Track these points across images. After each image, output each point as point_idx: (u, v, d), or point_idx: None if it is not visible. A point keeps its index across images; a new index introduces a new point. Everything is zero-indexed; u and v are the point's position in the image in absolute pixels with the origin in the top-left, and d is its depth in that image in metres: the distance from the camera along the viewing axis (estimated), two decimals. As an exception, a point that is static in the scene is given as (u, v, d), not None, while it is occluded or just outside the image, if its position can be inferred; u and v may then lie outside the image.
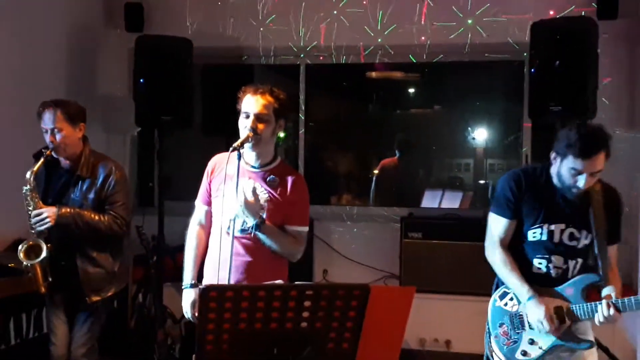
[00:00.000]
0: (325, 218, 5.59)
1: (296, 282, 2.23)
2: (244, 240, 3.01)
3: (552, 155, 2.96)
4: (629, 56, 5.22)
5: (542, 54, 4.68)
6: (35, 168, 3.41)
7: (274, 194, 3.03)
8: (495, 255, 3.07)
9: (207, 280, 3.07)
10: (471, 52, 5.49)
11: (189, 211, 3.27)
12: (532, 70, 4.76)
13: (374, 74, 6.24)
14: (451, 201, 5.74)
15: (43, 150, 3.46)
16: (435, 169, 6.31)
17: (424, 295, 4.74)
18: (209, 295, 2.07)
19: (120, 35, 5.84)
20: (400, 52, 5.63)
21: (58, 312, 3.64)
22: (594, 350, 3.05)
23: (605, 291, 2.92)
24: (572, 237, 3.00)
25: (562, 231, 2.99)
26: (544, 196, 3.01)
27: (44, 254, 3.39)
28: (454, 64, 5.65)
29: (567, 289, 2.99)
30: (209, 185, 3.16)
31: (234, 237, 2.90)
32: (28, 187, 3.41)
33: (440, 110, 6.44)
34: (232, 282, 2.89)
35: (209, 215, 3.19)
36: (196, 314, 2.92)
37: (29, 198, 3.41)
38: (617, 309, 2.83)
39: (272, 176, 3.06)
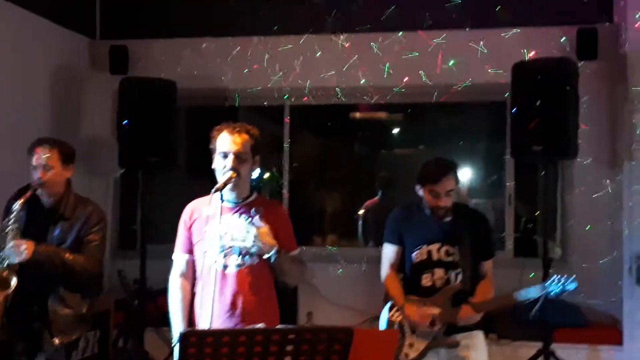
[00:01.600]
0: (309, 259, 5.51)
1: (278, 326, 2.20)
2: (238, 277, 2.98)
3: (417, 187, 3.60)
4: (608, 95, 5.29)
5: (524, 95, 4.73)
6: (24, 199, 3.36)
7: (264, 223, 3.02)
8: (383, 276, 3.68)
9: (200, 324, 3.00)
10: (454, 92, 5.54)
11: (171, 254, 3.20)
12: (514, 110, 4.81)
13: (357, 115, 6.28)
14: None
15: (31, 184, 3.43)
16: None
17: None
18: (189, 341, 2.03)
19: (104, 78, 5.85)
20: (382, 92, 5.68)
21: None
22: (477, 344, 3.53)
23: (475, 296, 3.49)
24: (447, 253, 3.55)
25: (438, 249, 3.55)
26: (419, 223, 3.60)
27: (12, 286, 3.28)
28: (437, 105, 5.70)
29: (439, 296, 3.50)
30: (189, 232, 3.10)
31: (221, 277, 2.91)
32: (13, 216, 3.35)
33: (424, 149, 6.48)
34: (222, 324, 2.88)
35: (190, 264, 3.11)
36: None
37: (8, 229, 3.34)
38: (474, 309, 3.43)
39: (257, 207, 3.05)
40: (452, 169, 3.56)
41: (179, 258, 3.14)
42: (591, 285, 5.10)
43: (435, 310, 3.46)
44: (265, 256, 2.93)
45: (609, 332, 4.89)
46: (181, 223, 3.14)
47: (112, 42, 5.87)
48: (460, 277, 3.53)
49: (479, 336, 3.54)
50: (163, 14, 5.92)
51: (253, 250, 2.92)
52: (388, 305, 3.68)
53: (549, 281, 3.31)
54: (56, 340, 3.43)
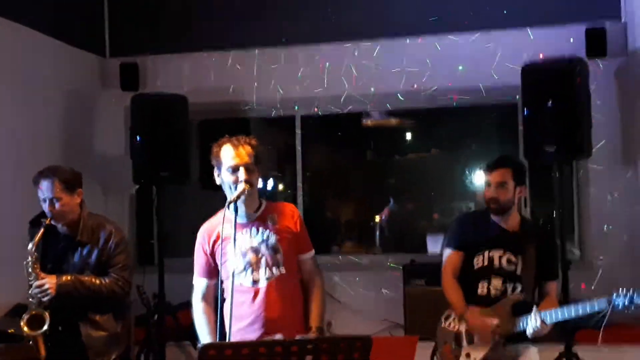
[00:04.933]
0: (327, 268, 5.50)
1: (297, 337, 2.20)
2: (268, 290, 2.97)
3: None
4: (619, 93, 5.26)
5: (534, 96, 4.71)
6: (36, 239, 3.37)
7: (280, 231, 3.03)
8: (443, 281, 3.54)
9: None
10: (465, 96, 5.54)
11: (189, 267, 3.19)
12: (525, 112, 4.79)
13: (369, 122, 6.28)
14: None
15: (42, 220, 3.43)
16: (437, 213, 6.29)
17: (430, 344, 4.66)
18: (208, 354, 2.04)
19: (116, 95, 5.90)
20: (393, 99, 5.68)
21: None
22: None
23: (534, 308, 3.29)
24: (509, 262, 3.45)
25: (500, 257, 3.45)
26: (484, 229, 3.52)
27: (46, 325, 3.32)
28: (448, 109, 5.69)
29: (499, 306, 3.37)
30: (206, 256, 3.08)
31: (251, 291, 2.94)
32: (30, 258, 3.36)
33: (437, 154, 6.47)
34: (255, 335, 2.92)
35: (210, 288, 3.10)
36: None
37: (29, 269, 3.36)
38: (542, 321, 3.21)
39: (270, 215, 3.05)
40: (509, 163, 3.52)
41: (198, 282, 3.13)
42: (611, 285, 5.06)
43: (495, 320, 3.33)
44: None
45: (631, 332, 4.82)
46: (198, 247, 3.11)
47: (122, 60, 5.92)
48: (517, 291, 3.42)
49: (534, 352, 3.43)
50: (171, 30, 5.96)
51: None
52: (444, 314, 3.56)
53: (616, 294, 3.15)
54: None
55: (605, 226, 5.21)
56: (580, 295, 4.93)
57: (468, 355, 3.37)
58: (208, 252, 3.07)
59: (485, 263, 3.46)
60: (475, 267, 3.48)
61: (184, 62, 5.92)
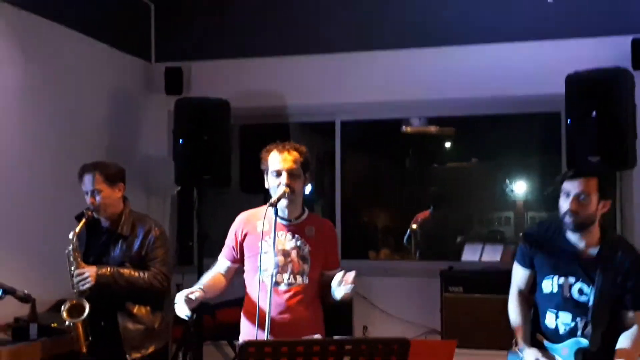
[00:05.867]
0: (364, 273, 5.51)
1: (334, 337, 2.22)
2: (288, 296, 3.03)
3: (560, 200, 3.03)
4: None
5: (578, 106, 4.66)
6: (78, 229, 3.48)
7: (315, 244, 3.09)
8: (510, 303, 3.20)
9: (245, 337, 3.07)
10: (507, 105, 5.50)
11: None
12: (569, 121, 4.74)
13: (409, 129, 6.28)
14: (492, 254, 5.65)
15: (85, 211, 3.54)
16: (475, 222, 6.26)
17: (466, 351, 4.62)
18: (247, 351, 2.07)
19: (160, 99, 6.01)
20: (434, 106, 5.67)
21: None
22: None
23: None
24: (580, 292, 2.98)
25: (571, 286, 2.99)
26: (557, 249, 3.04)
27: (86, 313, 3.42)
28: (490, 117, 5.66)
29: (563, 349, 2.99)
30: (237, 243, 3.16)
31: (273, 292, 2.93)
32: (71, 247, 3.47)
33: (477, 163, 6.44)
34: (270, 338, 2.89)
35: (230, 270, 3.21)
36: (191, 297, 2.89)
37: (71, 258, 3.47)
38: None
39: (309, 227, 3.11)
40: (596, 173, 2.99)
41: (222, 261, 3.24)
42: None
43: None
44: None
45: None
46: (232, 231, 3.20)
47: (167, 64, 6.04)
48: (589, 328, 2.93)
49: None
50: (215, 36, 6.06)
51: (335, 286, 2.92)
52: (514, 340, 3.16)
53: None
54: (133, 355, 3.52)
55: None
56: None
57: None
58: (239, 239, 3.15)
59: (555, 290, 3.01)
60: (544, 291, 3.06)
61: (227, 68, 5.99)
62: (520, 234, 3.29)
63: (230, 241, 3.20)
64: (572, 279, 2.99)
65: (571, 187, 2.94)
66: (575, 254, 3.00)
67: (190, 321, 4.81)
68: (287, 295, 3.04)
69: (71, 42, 5.11)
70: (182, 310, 2.89)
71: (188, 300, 2.88)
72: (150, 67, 6.17)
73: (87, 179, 3.54)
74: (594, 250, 2.99)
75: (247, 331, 3.11)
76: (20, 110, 4.64)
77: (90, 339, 3.48)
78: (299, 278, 3.07)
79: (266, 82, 5.92)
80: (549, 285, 3.04)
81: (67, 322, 3.46)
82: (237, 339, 3.14)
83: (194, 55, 6.08)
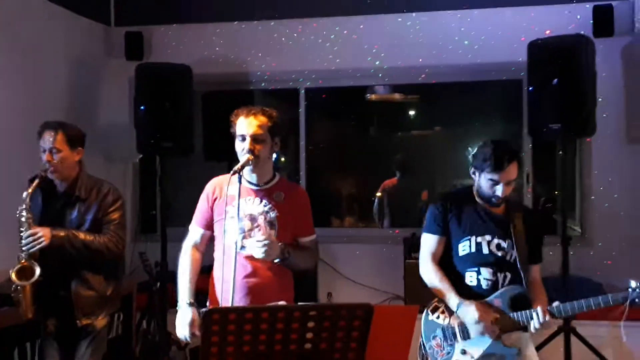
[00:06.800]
0: (328, 240, 5.54)
1: (299, 303, 2.23)
2: (254, 260, 3.02)
3: (472, 171, 3.24)
4: (625, 72, 5.24)
5: (540, 73, 4.70)
6: (31, 189, 3.39)
7: (283, 209, 3.07)
8: (426, 270, 3.27)
9: (213, 302, 3.07)
10: (469, 72, 5.53)
11: (191, 237, 3.26)
12: (530, 89, 4.78)
13: (373, 97, 6.28)
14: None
15: (39, 172, 3.46)
16: (438, 189, 6.32)
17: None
18: (212, 318, 2.07)
19: (120, 64, 5.88)
20: (397, 74, 5.67)
21: (51, 340, 3.59)
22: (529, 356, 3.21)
23: (536, 302, 3.12)
24: (499, 247, 3.20)
25: (488, 242, 3.20)
26: (469, 212, 3.25)
27: (36, 275, 3.33)
28: (453, 85, 5.68)
29: (495, 300, 3.15)
30: (211, 209, 3.15)
31: (238, 257, 2.92)
32: (23, 206, 3.37)
33: (440, 131, 6.47)
34: (238, 303, 2.90)
35: (204, 238, 3.19)
36: (196, 332, 2.94)
37: (23, 219, 3.37)
38: (551, 315, 3.06)
39: (277, 192, 3.09)
40: (517, 155, 3.19)
41: (194, 230, 3.20)
42: (610, 263, 5.11)
43: (496, 315, 3.10)
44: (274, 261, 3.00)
45: (630, 309, 4.86)
46: (203, 196, 3.19)
47: (127, 29, 5.90)
48: (508, 280, 3.17)
49: (532, 348, 3.26)
50: (176, 0, 5.94)
51: (259, 257, 2.95)
52: (431, 304, 3.27)
53: (632, 289, 3.04)
54: (83, 321, 3.49)
55: (607, 204, 5.23)
56: (579, 271, 4.99)
57: (464, 351, 3.15)
58: (209, 204, 3.14)
59: (473, 250, 3.20)
60: (460, 253, 3.22)
61: (189, 33, 5.89)
62: (436, 202, 3.36)
63: (202, 206, 3.18)
64: (488, 237, 3.20)
65: (497, 177, 3.12)
66: (487, 214, 3.23)
67: (155, 289, 4.81)
68: (253, 259, 3.02)
69: (29, 6, 4.96)
70: (183, 334, 3.01)
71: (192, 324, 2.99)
72: (110, 32, 6.03)
73: (48, 136, 3.45)
74: (502, 211, 3.25)
75: (215, 296, 3.11)
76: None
77: (37, 305, 3.39)
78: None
79: (229, 48, 5.85)
80: (467, 246, 3.21)
81: (14, 285, 3.36)
82: (204, 306, 3.14)
83: (155, 20, 5.95)
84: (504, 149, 3.17)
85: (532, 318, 3.07)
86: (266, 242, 2.90)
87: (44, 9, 5.12)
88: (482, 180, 3.18)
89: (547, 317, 3.04)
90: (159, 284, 4.88)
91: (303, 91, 5.91)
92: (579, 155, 5.45)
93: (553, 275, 4.63)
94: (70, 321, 3.48)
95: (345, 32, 5.67)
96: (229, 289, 2.81)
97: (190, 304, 3.07)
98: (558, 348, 4.47)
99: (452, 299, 3.14)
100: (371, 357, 2.17)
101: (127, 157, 5.92)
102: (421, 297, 4.61)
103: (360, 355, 2.16)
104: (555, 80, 4.59)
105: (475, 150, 3.26)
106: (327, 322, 2.12)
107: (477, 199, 3.26)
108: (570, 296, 3.23)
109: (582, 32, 4.86)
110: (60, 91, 5.34)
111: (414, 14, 5.57)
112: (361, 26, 5.65)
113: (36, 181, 3.42)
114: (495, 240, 3.20)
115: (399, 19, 5.59)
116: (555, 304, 3.10)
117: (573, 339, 4.47)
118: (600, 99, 4.77)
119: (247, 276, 3.02)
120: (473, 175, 3.24)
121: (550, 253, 4.54)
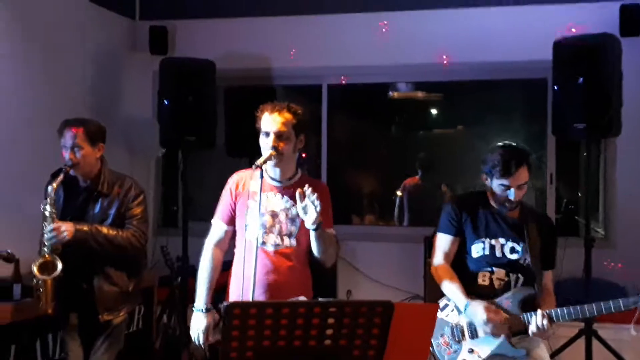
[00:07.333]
0: (348, 238, 5.53)
1: (319, 299, 2.23)
2: (275, 257, 3.03)
3: (483, 176, 3.25)
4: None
5: (565, 72, 4.65)
6: (56, 183, 3.41)
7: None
8: (438, 269, 3.28)
9: (232, 297, 3.08)
10: (493, 71, 5.48)
11: (212, 231, 3.26)
12: (555, 88, 4.73)
13: (396, 95, 6.25)
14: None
15: (62, 167, 3.48)
16: (460, 189, 6.28)
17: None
18: (232, 313, 2.07)
19: (144, 58, 5.91)
20: (421, 71, 5.64)
21: (73, 333, 3.62)
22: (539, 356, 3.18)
23: (543, 307, 3.10)
24: (513, 250, 3.21)
25: (502, 246, 3.22)
26: (483, 215, 3.27)
27: (58, 270, 3.35)
28: (477, 83, 5.64)
29: (505, 300, 3.15)
30: (233, 202, 3.16)
31: (259, 253, 2.91)
32: (48, 200, 3.39)
33: (463, 130, 6.43)
34: (257, 299, 2.90)
35: (227, 235, 3.19)
36: (210, 338, 2.99)
37: (47, 213, 3.39)
38: (550, 319, 3.03)
39: (298, 191, 3.07)
40: (526, 159, 3.18)
41: (217, 225, 3.20)
42: (634, 265, 5.04)
43: (506, 316, 3.09)
44: (311, 225, 2.89)
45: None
46: (226, 190, 3.18)
47: (151, 23, 5.93)
48: (520, 282, 3.19)
49: (543, 349, 3.24)
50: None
51: (315, 215, 2.84)
52: (441, 302, 3.28)
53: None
54: (105, 317, 3.51)
55: (631, 207, 5.16)
56: (602, 274, 4.93)
57: (471, 350, 3.15)
58: (233, 199, 3.14)
59: (487, 252, 3.21)
60: (474, 255, 3.23)
61: (212, 28, 5.91)
62: (451, 204, 3.35)
63: (225, 201, 3.18)
64: (502, 240, 3.22)
65: (508, 182, 3.13)
66: (502, 218, 3.24)
67: (176, 284, 4.85)
68: (274, 256, 3.03)
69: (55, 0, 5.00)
70: (197, 339, 3.10)
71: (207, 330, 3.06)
72: (135, 26, 6.07)
73: (69, 134, 3.47)
74: (515, 214, 3.26)
75: (234, 291, 3.12)
76: (1, 69, 4.55)
77: (56, 301, 3.41)
78: (286, 240, 3.06)
79: (253, 43, 5.85)
80: (480, 248, 3.22)
81: (35, 280, 3.38)
82: (222, 301, 3.14)
83: (179, 14, 5.98)
84: (512, 153, 3.17)
85: (530, 321, 3.06)
86: (317, 202, 2.84)
87: (70, 1, 5.16)
88: (494, 186, 3.19)
89: (545, 321, 3.01)
90: (179, 278, 4.91)
91: (326, 87, 5.90)
92: (604, 156, 5.38)
93: (575, 277, 4.59)
94: (93, 316, 3.50)
95: (368, 28, 5.64)
96: (249, 286, 2.80)
97: (207, 310, 3.08)
98: (579, 351, 4.43)
99: (461, 299, 3.14)
100: (391, 354, 2.16)
101: (151, 151, 5.95)
102: (441, 296, 4.61)
103: (380, 352, 2.15)
104: (581, 79, 4.53)
105: (484, 156, 3.26)
106: (347, 319, 2.11)
107: (492, 203, 3.27)
108: (592, 299, 3.18)
109: (608, 32, 4.79)
110: (84, 84, 5.39)
111: (440, 11, 5.53)
112: (385, 23, 5.63)
113: (61, 175, 3.44)
114: (510, 244, 3.21)
115: (425, 16, 5.55)
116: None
117: (594, 342, 4.42)
118: (626, 99, 4.70)
119: (267, 273, 3.03)
120: (485, 181, 3.25)
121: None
